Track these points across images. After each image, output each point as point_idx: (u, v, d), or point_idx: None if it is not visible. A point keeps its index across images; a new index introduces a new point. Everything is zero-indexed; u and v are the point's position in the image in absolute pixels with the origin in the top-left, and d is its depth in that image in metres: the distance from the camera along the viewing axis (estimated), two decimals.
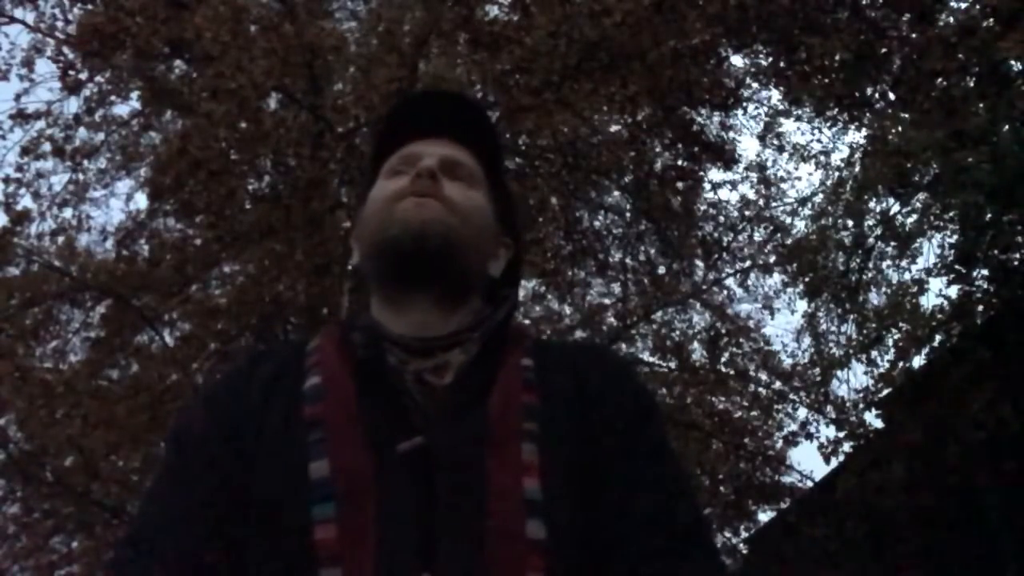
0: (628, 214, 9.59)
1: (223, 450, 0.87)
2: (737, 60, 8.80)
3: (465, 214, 0.97)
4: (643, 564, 0.82)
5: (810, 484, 8.57)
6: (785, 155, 9.31)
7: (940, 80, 6.80)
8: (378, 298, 0.99)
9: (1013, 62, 6.42)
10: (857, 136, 8.79)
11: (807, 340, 8.89)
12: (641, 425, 0.91)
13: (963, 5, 7.17)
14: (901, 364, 7.20)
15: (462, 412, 0.86)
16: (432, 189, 0.96)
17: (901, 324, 7.23)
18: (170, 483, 0.89)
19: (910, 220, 7.99)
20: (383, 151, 1.07)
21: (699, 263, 9.44)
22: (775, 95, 9.00)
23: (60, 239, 8.49)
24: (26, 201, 8.10)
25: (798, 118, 8.97)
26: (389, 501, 0.81)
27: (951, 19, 7.12)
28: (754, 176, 9.43)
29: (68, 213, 8.51)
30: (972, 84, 6.81)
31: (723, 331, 8.97)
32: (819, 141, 10.27)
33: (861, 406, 7.61)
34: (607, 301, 9.78)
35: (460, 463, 0.83)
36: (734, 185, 10.74)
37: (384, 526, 0.79)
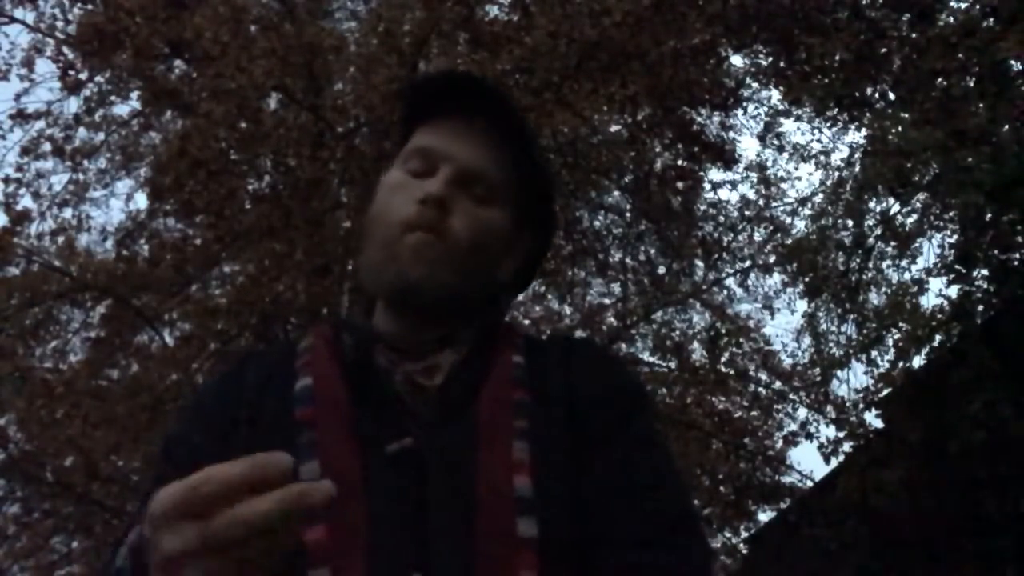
0: (628, 214, 9.60)
1: (214, 454, 0.87)
2: (737, 60, 8.81)
3: (469, 247, 0.93)
4: (628, 554, 0.81)
5: (810, 484, 8.57)
6: (785, 155, 9.33)
7: (940, 80, 6.80)
8: (381, 300, 0.99)
9: (1013, 62, 6.42)
10: (857, 136, 8.80)
11: (807, 340, 8.90)
12: (630, 416, 0.91)
13: (963, 5, 7.18)
14: (901, 364, 7.21)
15: (452, 412, 0.86)
16: (438, 222, 0.92)
17: (901, 324, 7.24)
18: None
19: (910, 220, 8.01)
20: (411, 122, 1.04)
21: (699, 263, 9.45)
22: (775, 95, 9.01)
23: (60, 239, 8.52)
24: (26, 201, 8.14)
25: (798, 118, 8.98)
26: (380, 502, 0.80)
27: (951, 19, 7.12)
28: (754, 176, 9.46)
29: (68, 213, 8.55)
30: (972, 84, 6.80)
31: (723, 331, 8.97)
32: (819, 141, 10.30)
33: (861, 406, 7.62)
34: (607, 301, 9.80)
35: (450, 463, 0.83)
36: (734, 185, 10.79)
37: (375, 527, 0.79)
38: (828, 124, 8.78)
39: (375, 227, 0.97)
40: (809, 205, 9.05)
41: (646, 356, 9.30)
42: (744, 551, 10.03)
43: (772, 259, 9.20)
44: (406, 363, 0.90)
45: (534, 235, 1.05)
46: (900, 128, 6.67)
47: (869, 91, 8.25)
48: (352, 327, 0.94)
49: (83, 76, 8.06)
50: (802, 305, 8.96)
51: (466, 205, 0.95)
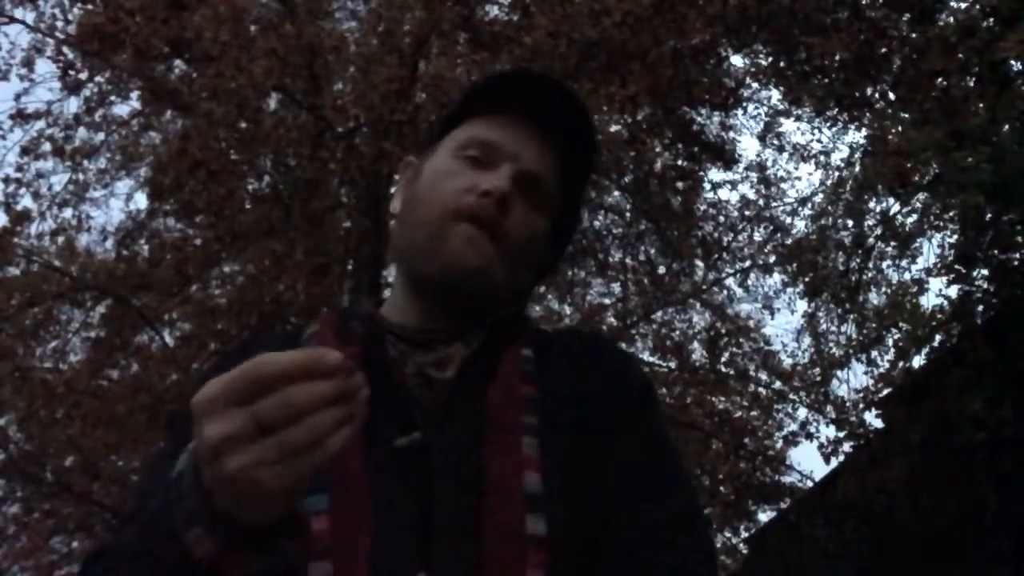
0: (628, 214, 9.60)
1: None
2: (737, 60, 8.81)
3: (517, 251, 0.91)
4: (633, 553, 0.81)
5: (810, 484, 8.57)
6: (785, 155, 9.32)
7: (940, 80, 6.80)
8: (401, 282, 0.97)
9: (1013, 62, 6.42)
10: (857, 136, 8.80)
11: (807, 340, 8.90)
12: (636, 413, 0.90)
13: (963, 5, 7.18)
14: (901, 364, 7.21)
15: (462, 406, 0.85)
16: (495, 221, 0.89)
17: (901, 324, 7.25)
18: (168, 463, 0.86)
19: (910, 220, 8.00)
20: (461, 113, 0.99)
21: (699, 263, 9.45)
22: (775, 95, 9.02)
23: (60, 239, 8.50)
24: (26, 201, 8.12)
25: (798, 118, 8.98)
26: (386, 496, 0.79)
27: (951, 19, 7.12)
28: (754, 176, 9.45)
29: (68, 213, 8.53)
30: (972, 84, 6.80)
31: (723, 331, 8.96)
32: (819, 141, 10.25)
33: (861, 406, 7.63)
34: (607, 301, 9.80)
35: (459, 458, 0.81)
36: (734, 185, 10.73)
37: (380, 522, 0.78)
38: (828, 124, 8.79)
39: (419, 209, 0.94)
40: (809, 205, 9.05)
41: (646, 356, 9.29)
42: (744, 551, 10.03)
43: (772, 259, 9.20)
44: (416, 354, 0.89)
45: (557, 244, 1.04)
46: (900, 128, 6.67)
47: (869, 91, 8.26)
48: (361, 315, 0.92)
49: (83, 76, 8.07)
50: (802, 305, 8.96)
51: (523, 208, 0.92)
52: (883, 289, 8.24)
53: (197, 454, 0.61)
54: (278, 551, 0.63)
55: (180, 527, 0.61)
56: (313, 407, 0.56)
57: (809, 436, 8.02)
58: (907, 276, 7.88)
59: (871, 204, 7.81)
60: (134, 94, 8.46)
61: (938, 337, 6.88)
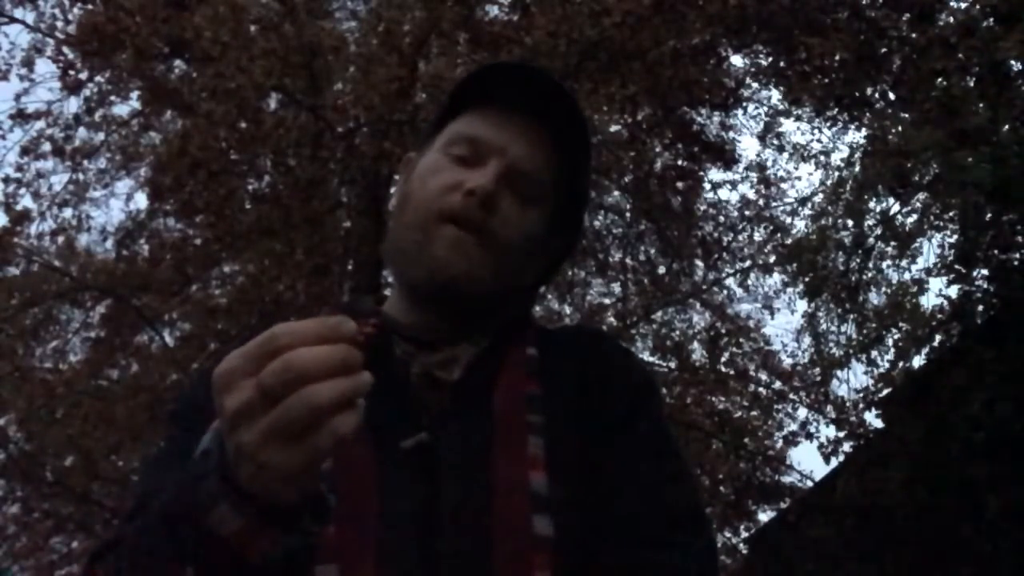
0: (628, 214, 9.60)
1: None
2: (737, 60, 8.80)
3: (507, 250, 0.90)
4: (635, 552, 0.81)
5: (810, 484, 8.57)
6: (785, 155, 9.30)
7: (940, 80, 6.79)
8: (398, 286, 0.97)
9: (1013, 62, 6.42)
10: (857, 136, 8.78)
11: (807, 340, 8.88)
12: (639, 411, 0.90)
13: (963, 5, 7.17)
14: (901, 364, 7.21)
15: (468, 407, 0.85)
16: (480, 220, 0.88)
17: (901, 324, 7.25)
18: (173, 457, 0.83)
19: (910, 220, 8.00)
20: (461, 101, 0.97)
21: (699, 263, 9.45)
22: (775, 95, 9.00)
23: (60, 239, 8.51)
24: (26, 201, 8.12)
25: (798, 118, 8.96)
26: (392, 498, 0.79)
27: (951, 19, 7.12)
28: (754, 176, 9.43)
29: (68, 213, 8.54)
30: (972, 84, 6.80)
31: (723, 331, 8.96)
32: (819, 141, 10.25)
33: (861, 406, 7.63)
34: (607, 301, 9.80)
35: (465, 459, 0.81)
36: (734, 185, 10.72)
37: (386, 523, 0.78)
38: (828, 124, 8.77)
39: (408, 208, 0.93)
40: (809, 205, 9.04)
41: (646, 356, 9.29)
42: (744, 551, 10.02)
43: (772, 259, 9.20)
44: (422, 355, 0.88)
45: (561, 240, 1.01)
46: (900, 128, 6.67)
47: (869, 91, 8.24)
48: (366, 315, 0.92)
49: (83, 76, 8.08)
50: (802, 305, 8.94)
51: (510, 204, 0.90)
52: (883, 289, 8.23)
53: (220, 430, 0.60)
54: (304, 532, 0.62)
55: (206, 505, 0.60)
56: (313, 371, 0.55)
57: (809, 436, 8.04)
58: (907, 276, 7.88)
59: (871, 204, 7.81)
60: (134, 94, 8.47)
61: (938, 337, 6.88)
